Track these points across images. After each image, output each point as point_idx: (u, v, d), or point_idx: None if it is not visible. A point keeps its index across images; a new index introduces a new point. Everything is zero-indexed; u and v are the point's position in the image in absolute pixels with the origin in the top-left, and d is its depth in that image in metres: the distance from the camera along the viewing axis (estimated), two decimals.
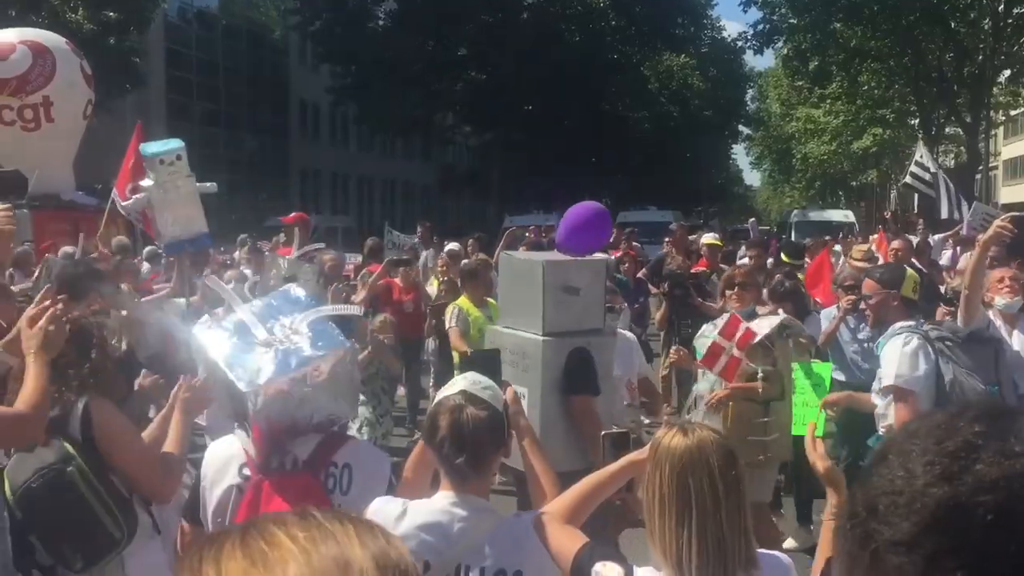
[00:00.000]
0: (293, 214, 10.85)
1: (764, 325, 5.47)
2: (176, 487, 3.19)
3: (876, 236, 13.22)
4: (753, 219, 25.31)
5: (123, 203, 9.23)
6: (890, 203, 49.79)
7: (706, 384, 5.52)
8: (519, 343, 4.54)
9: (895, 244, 8.79)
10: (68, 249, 8.35)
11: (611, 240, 10.31)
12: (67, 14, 23.37)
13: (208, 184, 6.35)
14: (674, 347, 6.49)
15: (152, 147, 6.04)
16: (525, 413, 2.99)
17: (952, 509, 0.88)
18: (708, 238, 11.14)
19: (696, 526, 2.10)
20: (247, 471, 2.67)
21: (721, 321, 5.49)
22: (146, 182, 5.86)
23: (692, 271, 9.31)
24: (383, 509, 2.50)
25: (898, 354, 4.34)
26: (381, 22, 42.67)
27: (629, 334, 6.26)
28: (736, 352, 5.21)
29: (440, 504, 2.47)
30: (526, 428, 2.86)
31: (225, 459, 2.74)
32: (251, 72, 45.89)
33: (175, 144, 6.04)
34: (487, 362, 3.09)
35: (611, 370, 4.75)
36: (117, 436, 3.05)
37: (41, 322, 2.85)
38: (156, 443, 3.27)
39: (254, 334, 2.67)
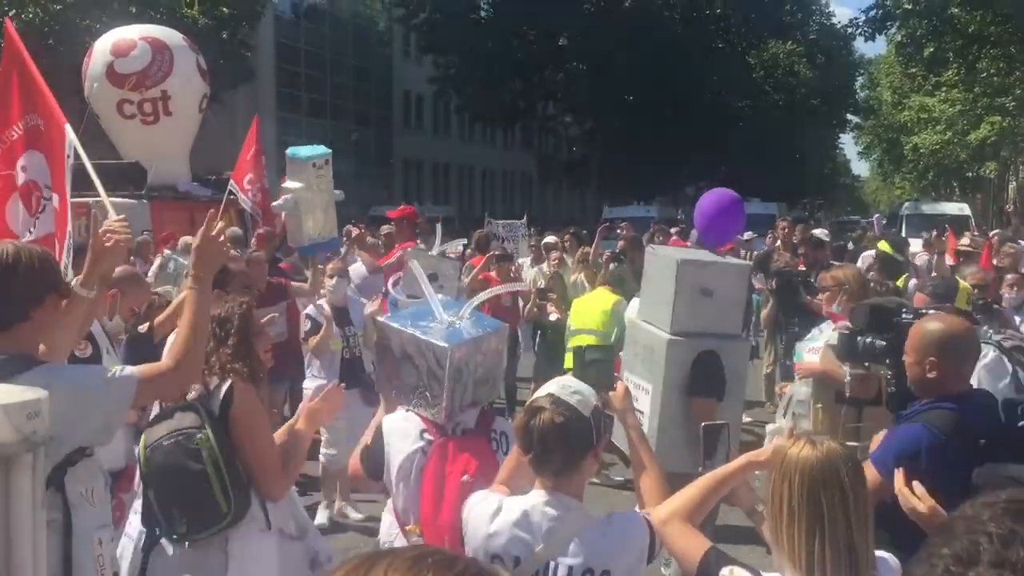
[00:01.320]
0: (400, 208, 10.98)
1: None
2: (288, 488, 3.32)
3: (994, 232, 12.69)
4: (878, 215, 24.39)
5: (244, 198, 9.56)
6: (1009, 196, 47.57)
7: (805, 388, 5.37)
8: (650, 339, 4.53)
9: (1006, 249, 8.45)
10: (187, 239, 8.67)
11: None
12: (183, 10, 24.26)
13: (336, 192, 6.53)
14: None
15: (303, 151, 6.22)
16: (633, 409, 3.06)
17: None
18: (816, 233, 10.84)
19: (829, 537, 2.15)
20: (428, 436, 3.12)
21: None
22: (291, 184, 6.03)
23: (800, 268, 9.06)
24: (479, 506, 2.62)
25: (976, 369, 4.21)
26: (483, 13, 42.92)
27: None
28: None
29: (532, 502, 2.54)
30: (633, 425, 2.93)
31: (405, 428, 3.16)
32: (356, 64, 46.79)
33: (324, 150, 6.20)
34: (599, 373, 3.14)
35: (743, 377, 4.65)
36: (251, 424, 3.19)
37: (196, 240, 3.00)
38: (281, 444, 3.40)
39: (435, 314, 3.23)
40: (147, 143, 12.40)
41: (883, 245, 9.31)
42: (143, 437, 3.13)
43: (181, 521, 3.05)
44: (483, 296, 3.42)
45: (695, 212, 5.05)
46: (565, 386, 2.61)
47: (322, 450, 7.02)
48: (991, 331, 4.45)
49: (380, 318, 3.48)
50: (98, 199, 5.05)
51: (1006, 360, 4.19)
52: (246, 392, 3.19)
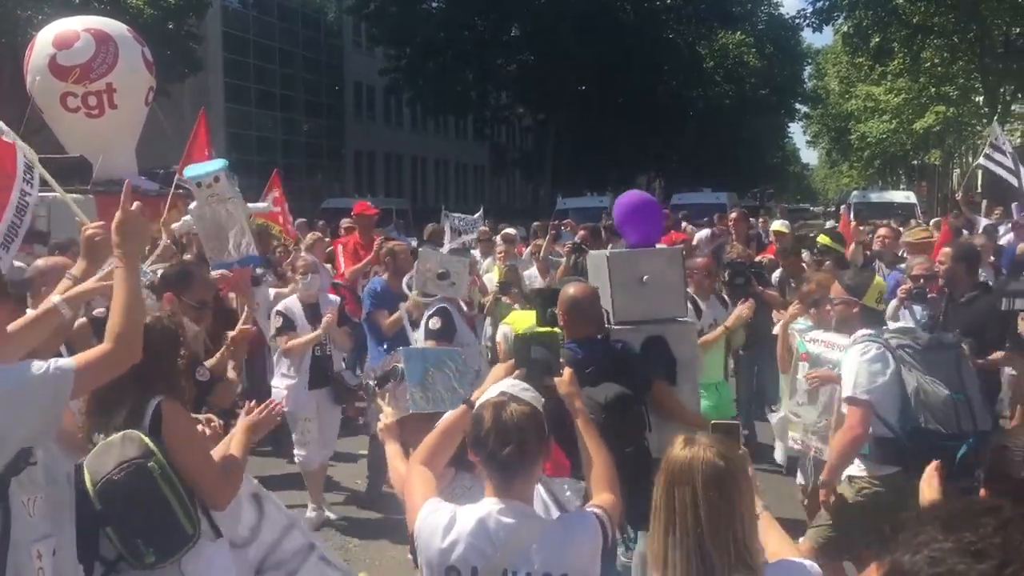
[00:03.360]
0: (359, 204, 10.86)
1: None
2: (232, 496, 3.25)
3: (940, 219, 12.93)
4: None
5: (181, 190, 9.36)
6: (953, 183, 48.58)
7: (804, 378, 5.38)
8: None
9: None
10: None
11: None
12: (128, 0, 23.77)
13: (262, 204, 6.38)
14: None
15: (190, 170, 6.02)
16: (579, 394, 3.06)
17: None
18: (777, 225, 10.93)
19: (680, 537, 2.17)
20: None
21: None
22: (191, 205, 5.89)
23: (756, 259, 9.11)
24: (431, 517, 2.57)
25: (856, 363, 4.32)
26: (435, 3, 42.72)
27: None
28: None
29: (486, 510, 2.51)
30: (580, 410, 2.95)
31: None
32: (306, 55, 46.29)
33: (214, 166, 5.98)
34: (543, 359, 3.10)
35: (693, 359, 4.69)
36: (184, 439, 3.11)
37: (116, 217, 2.94)
38: (219, 454, 3.35)
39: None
40: (92, 137, 12.09)
41: (823, 239, 9.39)
42: (86, 474, 3.01)
43: (148, 551, 2.98)
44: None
45: (615, 211, 5.12)
46: (513, 384, 2.64)
47: (295, 451, 6.95)
48: (885, 329, 4.57)
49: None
50: (45, 195, 4.93)
51: (890, 356, 4.29)
52: (173, 407, 3.12)
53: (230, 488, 3.24)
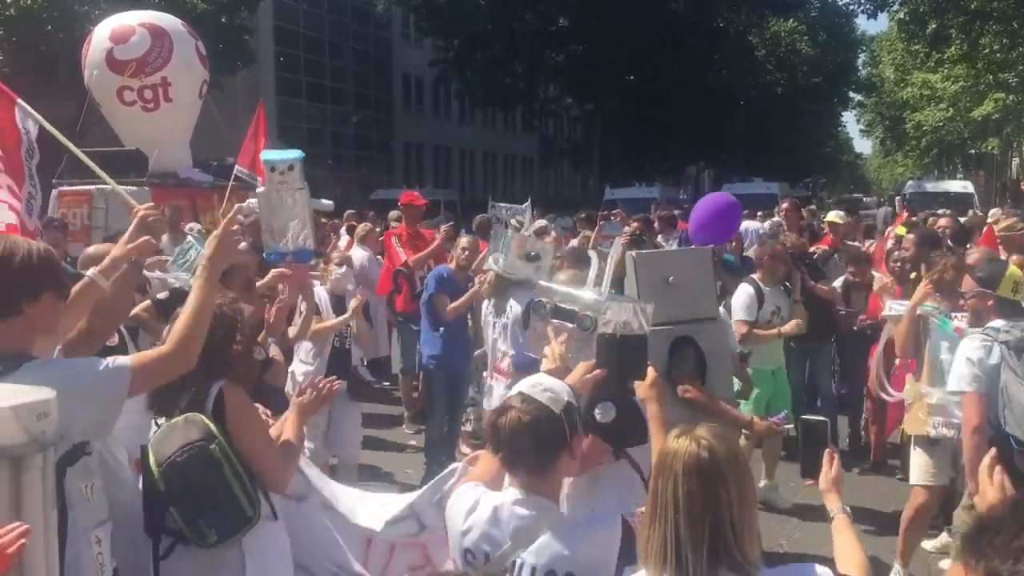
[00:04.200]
0: (405, 194, 10.92)
1: None
2: (290, 479, 3.30)
3: (998, 209, 12.61)
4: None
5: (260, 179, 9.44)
6: (1012, 172, 47.43)
7: (948, 356, 5.25)
8: None
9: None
10: (194, 225, 8.60)
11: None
12: None
13: (324, 201, 6.39)
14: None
15: (269, 154, 6.11)
16: (659, 400, 3.03)
17: None
18: (832, 216, 10.74)
19: (658, 526, 2.15)
20: None
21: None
22: (259, 189, 5.97)
23: (810, 250, 8.96)
24: (459, 500, 2.65)
25: (962, 355, 4.30)
26: None
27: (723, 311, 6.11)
28: None
29: (503, 499, 2.55)
30: (653, 416, 2.96)
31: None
32: (356, 47, 46.61)
33: (292, 155, 6.05)
34: (627, 346, 3.08)
35: (725, 357, 4.66)
36: (245, 423, 3.17)
37: (219, 230, 3.01)
38: (277, 437, 3.40)
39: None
40: (148, 130, 12.31)
41: (902, 231, 9.17)
42: (151, 455, 3.08)
43: (210, 531, 3.05)
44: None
45: (692, 213, 5.08)
46: (536, 383, 2.60)
47: (305, 444, 6.92)
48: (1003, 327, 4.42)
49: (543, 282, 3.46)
50: (104, 187, 5.01)
51: (996, 351, 4.23)
52: (236, 392, 3.18)
53: (289, 471, 3.29)
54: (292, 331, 6.13)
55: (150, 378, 2.85)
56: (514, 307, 6.37)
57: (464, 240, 8.06)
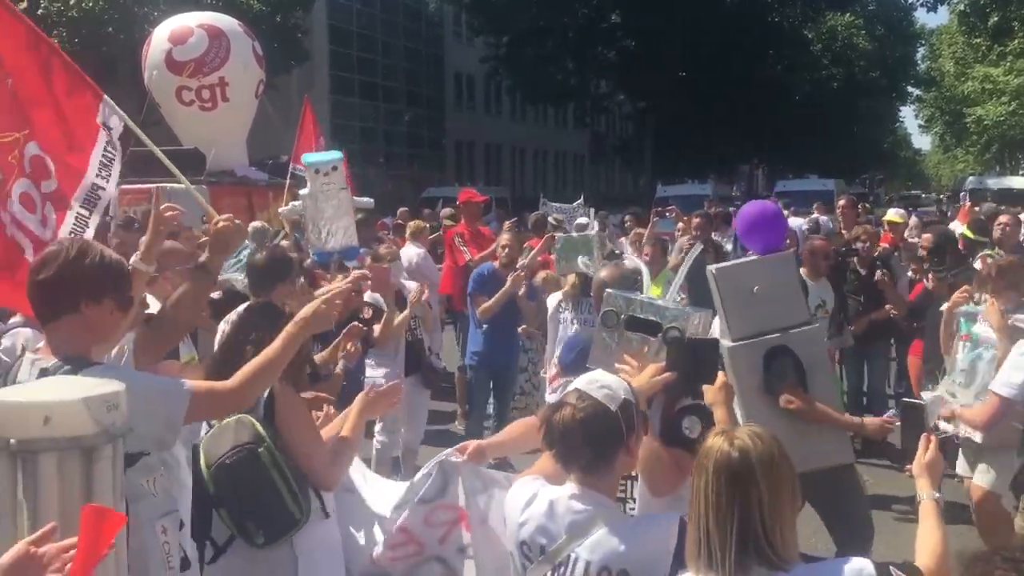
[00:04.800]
0: (463, 192, 10.96)
1: None
2: (340, 478, 3.33)
3: None
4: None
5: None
6: None
7: (964, 356, 5.20)
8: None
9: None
10: (257, 224, 8.72)
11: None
12: None
13: (365, 199, 6.50)
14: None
15: (310, 157, 6.21)
16: (727, 404, 3.03)
17: None
18: (892, 214, 10.55)
19: (692, 519, 2.23)
20: None
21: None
22: (303, 190, 6.06)
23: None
24: (518, 492, 2.67)
25: (1012, 358, 4.29)
26: None
27: None
28: None
29: (560, 494, 2.56)
30: (720, 420, 2.96)
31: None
32: (408, 45, 46.91)
33: (333, 156, 6.15)
34: (699, 350, 3.07)
35: (823, 360, 4.52)
36: (296, 425, 3.20)
37: (324, 296, 3.05)
38: (329, 436, 3.43)
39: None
40: (206, 129, 12.55)
41: (967, 231, 8.98)
42: (202, 456, 3.13)
43: (258, 533, 3.09)
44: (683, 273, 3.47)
45: (737, 221, 4.99)
46: (593, 380, 2.60)
47: (376, 436, 7.02)
48: None
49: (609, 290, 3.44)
50: (166, 184, 5.12)
51: None
52: (287, 394, 3.21)
53: (339, 470, 3.32)
54: (376, 330, 6.27)
55: (207, 410, 2.90)
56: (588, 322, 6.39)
57: (504, 237, 8.06)
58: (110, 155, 4.38)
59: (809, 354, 4.33)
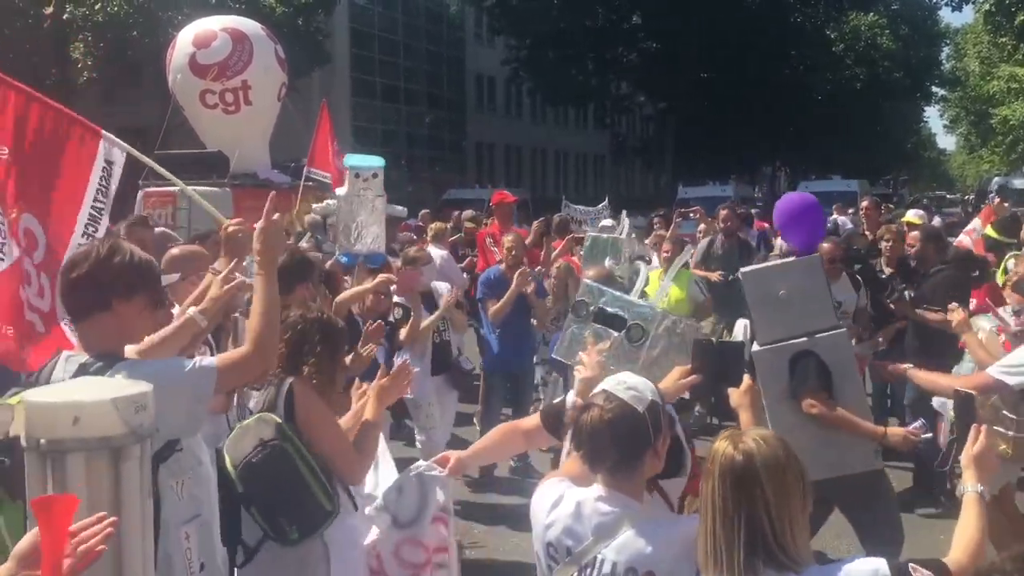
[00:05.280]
0: (496, 193, 10.99)
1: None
2: (366, 470, 3.35)
3: None
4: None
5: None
6: None
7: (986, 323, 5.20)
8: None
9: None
10: (314, 216, 8.77)
11: None
12: None
13: (399, 208, 6.53)
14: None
15: (353, 159, 6.27)
16: (752, 408, 3.03)
17: None
18: (911, 215, 10.44)
19: (701, 524, 2.26)
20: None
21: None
22: (339, 191, 6.09)
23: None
24: (544, 493, 2.66)
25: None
26: None
27: None
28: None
29: (587, 495, 2.55)
30: (744, 423, 2.96)
31: None
32: (429, 48, 47.04)
33: (376, 162, 6.22)
34: (726, 353, 3.08)
35: (850, 365, 4.48)
36: (316, 421, 3.21)
37: (260, 224, 3.03)
38: (351, 430, 3.44)
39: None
40: (229, 132, 12.59)
41: (991, 232, 8.86)
42: (227, 457, 3.16)
43: (292, 528, 3.10)
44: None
45: (778, 216, 4.96)
46: (621, 381, 2.59)
47: (417, 437, 7.06)
48: None
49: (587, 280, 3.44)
50: (192, 188, 5.15)
51: None
52: (305, 391, 3.23)
53: (364, 462, 3.33)
54: (402, 333, 6.28)
55: (234, 377, 2.91)
56: None
57: (508, 239, 8.02)
58: (100, 205, 4.36)
59: (835, 359, 4.31)
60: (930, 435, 4.37)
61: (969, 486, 2.52)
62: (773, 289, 4.32)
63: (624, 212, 13.16)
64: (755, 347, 4.27)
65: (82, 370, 2.65)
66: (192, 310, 3.39)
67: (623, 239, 7.36)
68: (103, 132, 4.42)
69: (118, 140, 4.44)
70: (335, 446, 3.24)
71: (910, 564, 2.22)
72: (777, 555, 2.17)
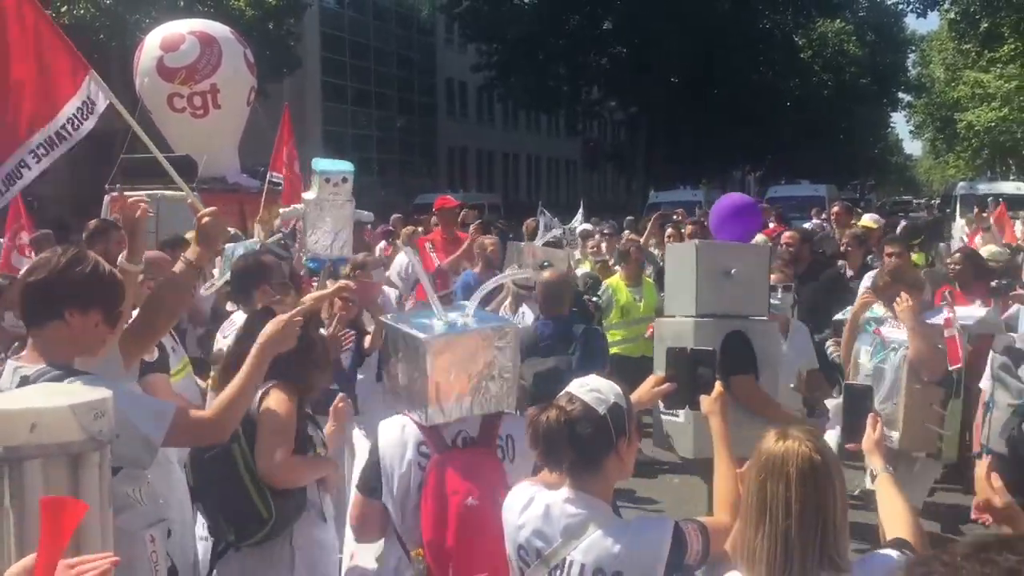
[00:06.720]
0: (439, 199, 11.00)
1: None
2: (290, 483, 3.18)
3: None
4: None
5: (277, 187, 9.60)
6: None
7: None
8: (677, 330, 4.46)
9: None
10: (232, 230, 8.69)
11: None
12: (230, 1, 24.47)
13: (365, 213, 6.52)
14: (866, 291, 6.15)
15: (323, 164, 6.22)
16: (722, 414, 3.00)
17: None
18: (867, 220, 10.57)
19: (768, 529, 2.16)
20: (425, 449, 2.95)
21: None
22: (307, 195, 6.06)
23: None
24: (515, 496, 2.66)
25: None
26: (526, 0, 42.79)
27: (801, 324, 6.02)
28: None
29: (555, 497, 2.55)
30: (715, 430, 2.95)
31: (400, 440, 2.99)
32: (400, 53, 46.94)
33: (345, 167, 6.18)
34: (701, 361, 3.09)
35: (775, 359, 4.60)
36: (269, 418, 3.16)
37: (283, 317, 3.00)
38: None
39: (434, 310, 3.02)
40: (197, 136, 12.51)
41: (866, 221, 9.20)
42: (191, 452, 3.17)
43: (229, 530, 3.11)
44: (489, 286, 3.34)
45: (711, 214, 5.10)
46: (584, 383, 2.59)
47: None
48: None
49: (381, 317, 3.45)
50: (156, 192, 5.09)
51: None
52: (277, 393, 3.20)
53: (291, 475, 3.19)
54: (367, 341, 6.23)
55: (184, 437, 2.85)
56: (527, 316, 6.36)
57: (486, 240, 8.03)
58: (64, 135, 4.18)
59: (764, 347, 4.45)
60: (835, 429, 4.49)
61: (879, 468, 2.63)
62: (724, 265, 4.43)
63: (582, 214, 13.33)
64: (694, 318, 4.38)
65: (25, 383, 2.57)
66: (120, 259, 3.29)
67: (527, 247, 7.32)
68: (91, 69, 4.34)
69: (104, 85, 4.34)
70: (270, 442, 3.13)
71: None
72: (835, 558, 2.16)
